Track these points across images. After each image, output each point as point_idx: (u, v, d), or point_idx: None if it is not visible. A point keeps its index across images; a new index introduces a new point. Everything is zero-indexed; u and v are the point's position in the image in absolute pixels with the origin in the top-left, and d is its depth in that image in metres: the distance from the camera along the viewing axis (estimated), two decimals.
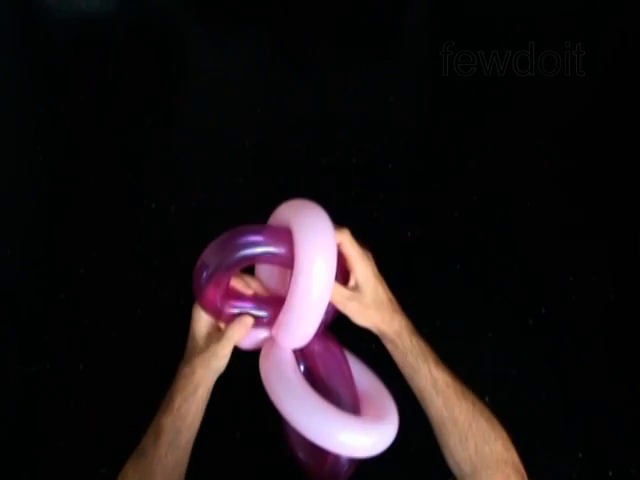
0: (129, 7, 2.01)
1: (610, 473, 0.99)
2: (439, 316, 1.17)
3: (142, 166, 1.48)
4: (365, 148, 1.51)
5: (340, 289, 0.55)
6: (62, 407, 1.06)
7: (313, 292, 0.51)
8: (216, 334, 0.56)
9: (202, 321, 0.57)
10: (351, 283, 0.56)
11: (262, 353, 0.56)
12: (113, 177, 1.45)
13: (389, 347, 0.56)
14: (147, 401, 1.13)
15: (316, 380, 0.55)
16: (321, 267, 0.51)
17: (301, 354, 0.57)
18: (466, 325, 1.17)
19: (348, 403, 0.54)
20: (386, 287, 0.59)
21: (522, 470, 0.53)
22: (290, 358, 0.55)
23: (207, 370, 0.55)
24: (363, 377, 0.58)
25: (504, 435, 0.54)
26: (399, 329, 0.55)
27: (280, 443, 1.01)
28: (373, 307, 0.56)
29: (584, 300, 1.21)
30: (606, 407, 1.07)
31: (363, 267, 0.56)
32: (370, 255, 0.58)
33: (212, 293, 0.53)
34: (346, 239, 0.56)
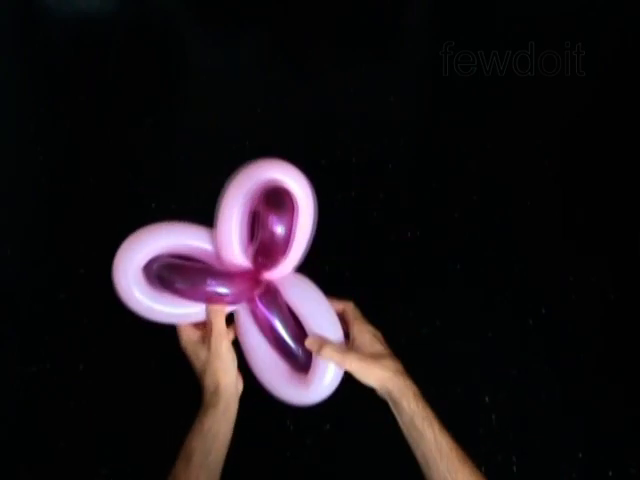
0: (129, 7, 2.01)
1: (610, 473, 0.99)
2: (439, 316, 1.17)
3: (142, 166, 1.48)
4: (365, 148, 1.51)
5: (334, 345, 0.57)
6: (62, 407, 1.06)
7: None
8: (205, 341, 0.59)
9: (190, 339, 0.60)
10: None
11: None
12: (113, 177, 1.45)
13: (395, 410, 0.56)
14: (147, 401, 1.14)
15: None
16: None
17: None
18: (466, 325, 1.17)
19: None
20: (388, 349, 0.59)
21: None
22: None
23: (225, 374, 0.57)
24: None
25: None
26: (405, 390, 0.55)
27: (280, 443, 1.01)
28: (373, 359, 0.56)
29: (584, 300, 1.21)
30: (606, 407, 1.07)
31: (359, 326, 0.59)
32: (376, 332, 0.61)
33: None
34: (349, 309, 0.61)
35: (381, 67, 1.80)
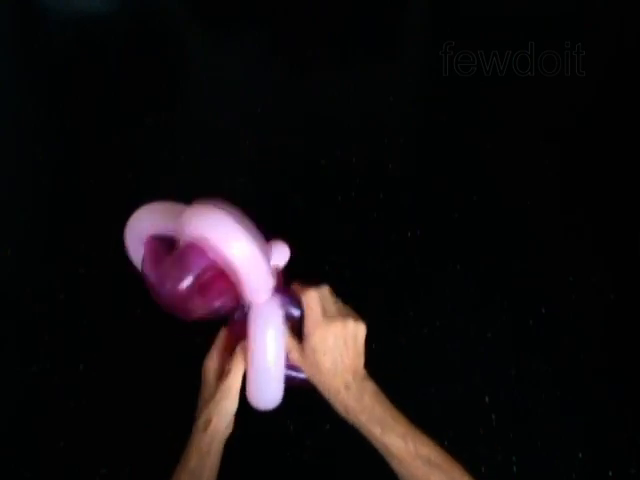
0: (129, 7, 2.01)
1: (610, 473, 0.99)
2: (439, 316, 1.17)
3: (142, 166, 1.48)
4: (365, 148, 1.51)
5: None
6: (62, 407, 1.06)
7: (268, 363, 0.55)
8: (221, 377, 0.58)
9: (211, 368, 0.59)
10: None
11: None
12: (113, 177, 1.45)
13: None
14: (147, 401, 1.13)
15: None
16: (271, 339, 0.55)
17: None
18: (466, 325, 1.17)
19: None
20: (351, 353, 0.55)
21: None
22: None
23: (220, 416, 0.57)
24: None
25: None
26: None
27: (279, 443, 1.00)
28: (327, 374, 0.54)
29: (584, 300, 1.21)
30: (606, 407, 1.07)
31: (324, 330, 0.54)
32: (346, 314, 0.56)
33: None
34: (312, 302, 0.56)
35: (381, 67, 1.80)
